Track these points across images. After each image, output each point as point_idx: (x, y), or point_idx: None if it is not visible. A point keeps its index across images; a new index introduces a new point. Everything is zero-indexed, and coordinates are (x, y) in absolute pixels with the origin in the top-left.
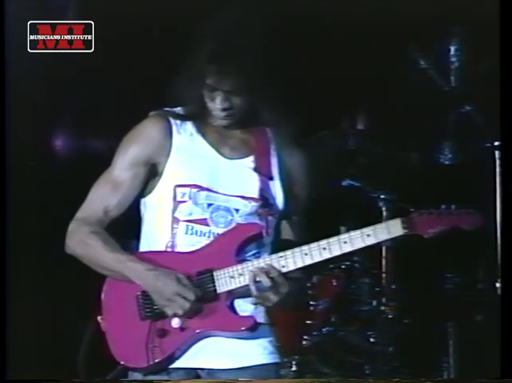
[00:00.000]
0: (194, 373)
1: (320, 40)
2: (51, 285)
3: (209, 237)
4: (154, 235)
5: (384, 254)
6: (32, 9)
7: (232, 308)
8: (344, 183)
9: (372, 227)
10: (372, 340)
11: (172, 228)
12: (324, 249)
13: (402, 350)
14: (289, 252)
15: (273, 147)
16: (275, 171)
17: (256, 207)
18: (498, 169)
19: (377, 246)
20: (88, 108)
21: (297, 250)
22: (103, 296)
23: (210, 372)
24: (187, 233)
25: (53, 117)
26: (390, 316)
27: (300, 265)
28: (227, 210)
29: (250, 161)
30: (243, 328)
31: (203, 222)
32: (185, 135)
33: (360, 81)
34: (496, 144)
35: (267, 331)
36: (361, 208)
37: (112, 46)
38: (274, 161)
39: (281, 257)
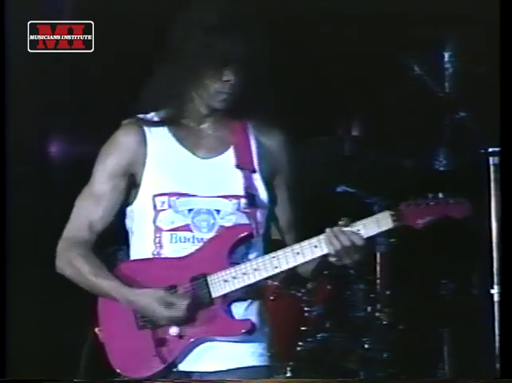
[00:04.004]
0: (186, 375)
1: (316, 45)
2: (51, 285)
3: (193, 242)
4: (139, 245)
5: (378, 260)
6: (32, 9)
7: (229, 312)
8: (339, 189)
9: (361, 222)
10: (366, 346)
11: (155, 237)
12: (316, 247)
13: (397, 356)
14: (280, 252)
15: (252, 138)
16: (256, 163)
17: (237, 204)
18: (492, 175)
19: (371, 252)
20: (88, 109)
21: (288, 249)
22: (99, 307)
23: (203, 374)
24: (171, 242)
25: (53, 117)
26: (385, 322)
27: (292, 264)
28: (208, 212)
29: (228, 156)
30: (243, 331)
31: (186, 228)
32: (159, 141)
33: (355, 87)
34: (490, 150)
35: (260, 334)
36: (356, 214)
37: (112, 46)
38: (254, 152)
39: (273, 257)
